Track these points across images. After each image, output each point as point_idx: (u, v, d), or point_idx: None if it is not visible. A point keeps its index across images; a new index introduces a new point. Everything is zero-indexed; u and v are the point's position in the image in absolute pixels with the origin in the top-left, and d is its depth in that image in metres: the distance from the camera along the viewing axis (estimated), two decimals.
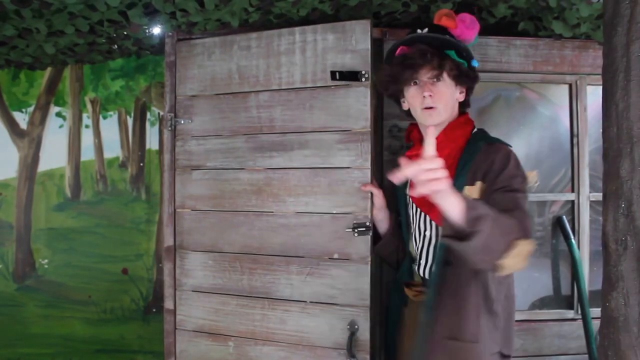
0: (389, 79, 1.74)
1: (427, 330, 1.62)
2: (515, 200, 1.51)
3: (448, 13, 1.72)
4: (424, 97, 1.66)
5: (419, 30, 1.70)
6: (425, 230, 1.74)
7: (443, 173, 1.28)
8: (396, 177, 1.32)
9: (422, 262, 1.75)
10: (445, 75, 1.67)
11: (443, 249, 1.62)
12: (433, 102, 1.65)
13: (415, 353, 1.63)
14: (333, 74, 1.89)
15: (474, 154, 1.64)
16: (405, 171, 1.28)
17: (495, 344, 1.63)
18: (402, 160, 1.31)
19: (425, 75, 1.67)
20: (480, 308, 1.61)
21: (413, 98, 1.70)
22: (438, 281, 1.62)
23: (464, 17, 1.73)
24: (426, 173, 1.27)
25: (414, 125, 1.84)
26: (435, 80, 1.67)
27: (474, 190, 1.61)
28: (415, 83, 1.69)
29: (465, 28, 1.72)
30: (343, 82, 1.89)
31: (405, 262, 1.84)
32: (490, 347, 1.61)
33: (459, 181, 1.61)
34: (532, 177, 1.66)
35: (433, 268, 1.67)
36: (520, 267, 1.42)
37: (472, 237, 1.31)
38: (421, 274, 1.76)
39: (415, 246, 1.79)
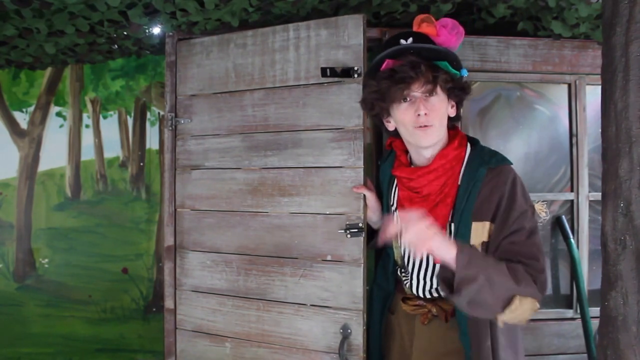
0: (376, 96, 1.58)
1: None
2: (528, 248, 1.48)
3: (426, 18, 1.58)
4: (418, 115, 1.52)
5: (402, 41, 1.56)
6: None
7: (434, 232, 1.38)
8: (388, 234, 1.46)
9: (414, 282, 1.67)
10: (438, 89, 1.54)
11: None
12: (428, 120, 1.52)
13: None
14: (324, 70, 1.82)
15: (477, 182, 1.54)
16: (404, 237, 1.39)
17: None
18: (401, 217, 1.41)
19: (418, 89, 1.53)
20: (499, 346, 1.57)
21: (404, 116, 1.55)
22: (465, 327, 1.56)
23: (445, 22, 1.59)
24: (419, 235, 1.37)
25: (395, 137, 1.72)
26: (428, 95, 1.54)
27: (482, 229, 1.53)
28: (405, 100, 1.55)
29: (448, 34, 1.58)
30: (335, 79, 1.84)
31: (388, 265, 1.77)
32: None
33: (464, 215, 1.54)
34: (540, 210, 1.64)
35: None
36: (522, 320, 1.47)
37: (458, 294, 1.41)
38: (414, 292, 1.69)
39: (403, 260, 1.71)
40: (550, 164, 2.33)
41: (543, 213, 1.65)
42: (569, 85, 2.31)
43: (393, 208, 1.74)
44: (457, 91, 1.60)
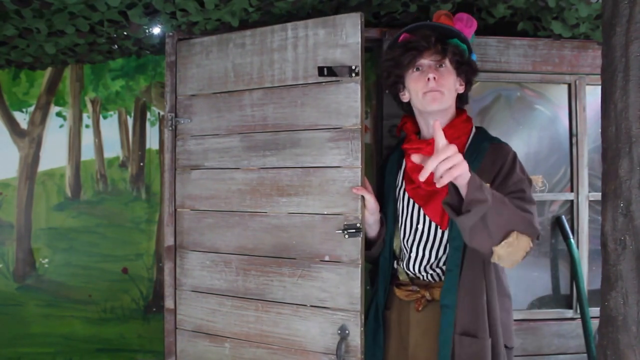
0: (391, 63, 1.74)
1: (448, 328, 1.62)
2: (522, 203, 1.56)
3: (446, 13, 1.77)
4: (427, 79, 1.65)
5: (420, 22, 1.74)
6: (417, 224, 1.75)
7: (460, 158, 1.36)
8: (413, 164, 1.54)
9: (413, 256, 1.75)
10: (447, 62, 1.69)
11: (459, 248, 1.63)
12: (438, 85, 1.66)
13: (441, 351, 1.63)
14: (321, 69, 1.84)
15: (481, 154, 1.68)
16: (426, 166, 1.34)
17: (502, 338, 1.66)
18: (413, 157, 1.43)
19: (428, 58, 1.68)
20: (494, 303, 1.65)
21: (415, 83, 1.69)
22: (457, 277, 1.64)
23: (461, 16, 1.78)
24: (446, 162, 1.34)
25: (408, 117, 1.84)
26: (438, 65, 1.68)
27: None
28: (418, 69, 1.70)
29: (464, 26, 1.76)
30: (333, 78, 1.84)
31: (381, 260, 1.83)
32: (500, 340, 1.64)
33: None
34: (538, 181, 1.75)
35: (449, 264, 1.66)
36: (515, 260, 1.52)
37: (467, 214, 1.43)
38: (411, 269, 1.76)
39: (404, 240, 1.78)
40: (550, 164, 2.33)
41: (540, 183, 1.76)
42: (569, 85, 2.31)
43: (398, 188, 1.82)
44: (465, 66, 1.72)
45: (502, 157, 1.66)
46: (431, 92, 1.66)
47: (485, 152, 1.68)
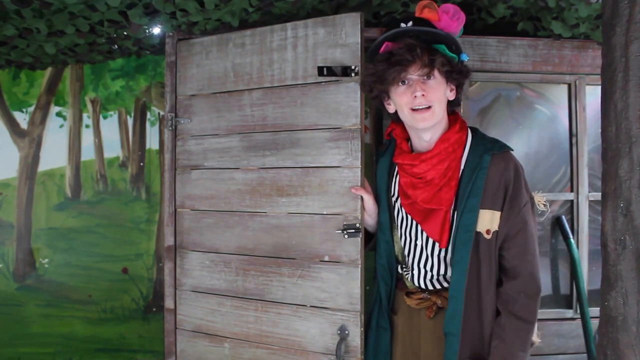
0: (373, 79, 1.61)
1: (452, 357, 1.56)
2: (524, 264, 1.58)
3: (429, 4, 1.60)
4: (414, 97, 1.54)
5: (402, 24, 1.58)
6: (416, 239, 1.67)
7: None
8: None
9: (415, 272, 1.68)
10: (436, 72, 1.56)
11: (464, 266, 1.56)
12: (426, 101, 1.54)
13: None
14: (320, 69, 1.82)
15: (482, 169, 1.56)
16: None
17: None
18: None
19: (414, 72, 1.55)
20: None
21: (401, 98, 1.58)
22: (461, 305, 1.56)
23: (447, 7, 1.60)
24: None
25: (397, 124, 1.74)
26: (426, 78, 1.55)
27: (492, 217, 1.56)
28: (403, 82, 1.57)
29: (450, 19, 1.59)
30: (333, 78, 1.83)
31: (379, 268, 1.76)
32: None
33: (469, 201, 1.56)
34: (539, 202, 1.68)
35: (452, 289, 1.58)
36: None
37: None
38: (415, 283, 1.69)
39: (405, 253, 1.71)
40: (550, 164, 2.33)
41: (542, 205, 1.68)
42: (569, 85, 2.31)
43: (394, 198, 1.74)
44: (455, 74, 1.60)
45: (506, 174, 1.56)
46: (419, 112, 1.56)
47: (487, 166, 1.56)
